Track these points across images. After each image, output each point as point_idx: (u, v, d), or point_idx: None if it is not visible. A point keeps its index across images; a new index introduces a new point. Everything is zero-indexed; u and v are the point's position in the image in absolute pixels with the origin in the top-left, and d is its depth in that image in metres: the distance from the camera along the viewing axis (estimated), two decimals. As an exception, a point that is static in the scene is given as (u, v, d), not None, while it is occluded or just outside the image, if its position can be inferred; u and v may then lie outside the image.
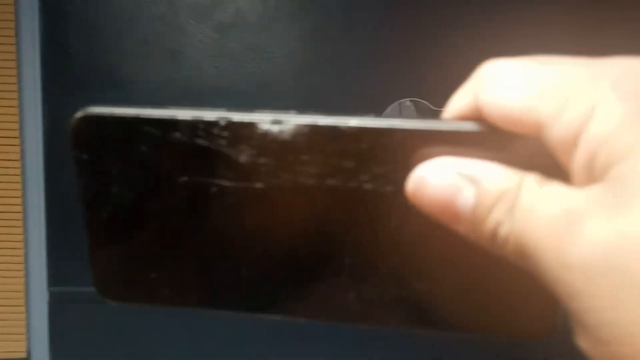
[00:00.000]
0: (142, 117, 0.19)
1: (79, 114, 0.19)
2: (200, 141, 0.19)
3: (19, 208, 1.35)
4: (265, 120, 0.18)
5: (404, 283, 0.19)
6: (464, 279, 0.19)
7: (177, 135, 0.19)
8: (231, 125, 0.18)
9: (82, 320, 1.36)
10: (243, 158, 0.19)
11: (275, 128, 0.18)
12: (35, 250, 1.37)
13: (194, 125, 0.18)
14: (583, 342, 0.14)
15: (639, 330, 0.13)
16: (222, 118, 0.18)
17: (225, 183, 0.19)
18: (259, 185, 0.19)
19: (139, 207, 0.20)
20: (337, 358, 1.35)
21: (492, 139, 0.17)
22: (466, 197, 0.16)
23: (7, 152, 1.33)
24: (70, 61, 1.29)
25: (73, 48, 1.29)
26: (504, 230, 0.15)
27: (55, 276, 1.36)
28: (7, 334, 1.36)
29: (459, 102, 0.18)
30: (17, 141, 1.33)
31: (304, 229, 0.19)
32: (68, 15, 1.29)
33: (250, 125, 0.18)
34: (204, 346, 1.36)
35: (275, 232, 0.20)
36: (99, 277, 0.21)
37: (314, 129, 0.18)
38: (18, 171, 1.34)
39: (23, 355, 1.37)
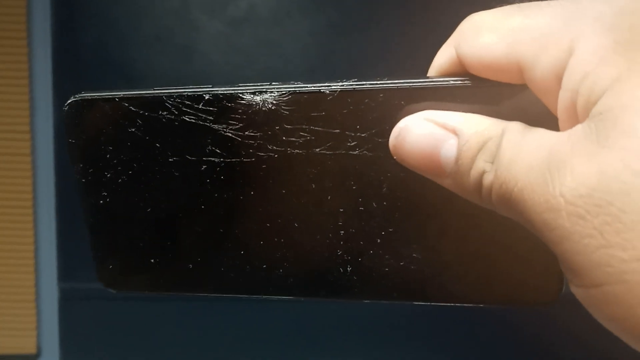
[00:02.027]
0: (129, 97, 0.19)
1: (70, 101, 0.20)
2: (187, 117, 0.19)
3: (29, 204, 1.34)
4: (247, 92, 0.18)
5: (402, 252, 0.19)
6: (463, 245, 0.18)
7: (165, 113, 0.19)
8: (215, 99, 0.19)
9: (92, 317, 1.36)
10: (230, 132, 0.19)
11: (257, 99, 0.18)
12: (45, 246, 1.37)
13: (180, 102, 0.19)
14: (575, 288, 0.14)
15: (628, 267, 0.12)
16: (206, 92, 0.19)
17: (215, 159, 0.19)
18: (248, 158, 0.19)
19: (134, 190, 0.20)
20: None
21: (478, 91, 0.16)
22: (448, 148, 0.16)
23: (18, 147, 1.33)
24: (82, 57, 1.29)
25: (84, 43, 1.29)
26: (488, 180, 0.15)
27: (66, 272, 1.36)
28: (18, 329, 1.36)
29: (442, 58, 0.17)
30: (27, 136, 1.33)
31: (297, 202, 0.19)
32: (80, 10, 1.28)
33: (234, 98, 0.18)
34: (214, 344, 1.36)
35: (269, 207, 0.19)
36: (100, 265, 0.21)
37: (297, 96, 0.18)
38: (29, 166, 1.33)
39: (33, 351, 1.37)
